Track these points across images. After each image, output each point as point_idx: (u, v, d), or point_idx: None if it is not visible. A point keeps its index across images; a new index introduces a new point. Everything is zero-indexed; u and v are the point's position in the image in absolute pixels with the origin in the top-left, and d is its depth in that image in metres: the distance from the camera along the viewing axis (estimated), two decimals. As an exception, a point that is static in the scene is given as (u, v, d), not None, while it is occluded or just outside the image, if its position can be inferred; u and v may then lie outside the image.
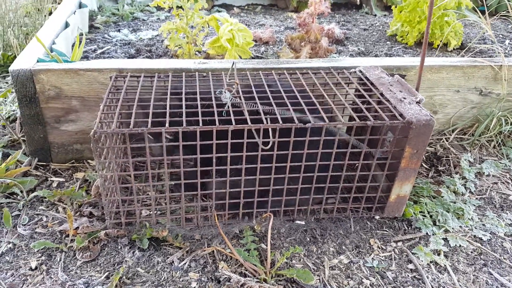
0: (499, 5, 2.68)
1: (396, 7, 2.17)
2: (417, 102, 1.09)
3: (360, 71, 1.27)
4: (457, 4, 1.99)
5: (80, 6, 2.14)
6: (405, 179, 1.11)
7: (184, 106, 0.99)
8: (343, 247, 1.08)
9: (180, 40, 1.61)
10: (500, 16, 2.43)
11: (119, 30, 2.16)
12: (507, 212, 1.27)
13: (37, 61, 1.26)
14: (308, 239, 1.09)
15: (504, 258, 1.11)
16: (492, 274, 1.05)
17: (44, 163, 1.36)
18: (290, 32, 2.25)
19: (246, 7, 2.83)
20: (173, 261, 1.01)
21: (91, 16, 2.29)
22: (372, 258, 1.05)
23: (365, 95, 1.13)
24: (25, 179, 1.25)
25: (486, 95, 1.55)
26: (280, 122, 0.96)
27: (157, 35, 2.11)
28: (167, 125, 0.92)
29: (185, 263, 1.00)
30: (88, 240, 1.05)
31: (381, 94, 1.13)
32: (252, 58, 1.64)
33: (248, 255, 1.00)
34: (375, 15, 2.76)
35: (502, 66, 1.48)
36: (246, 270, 0.98)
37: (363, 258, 1.05)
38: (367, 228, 1.15)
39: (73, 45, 1.77)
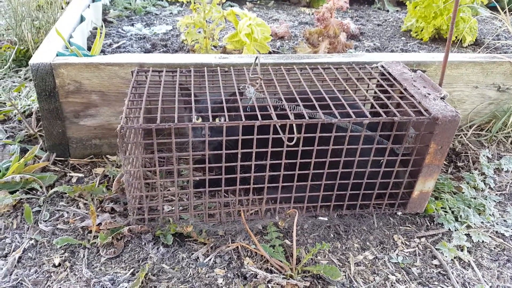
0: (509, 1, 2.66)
1: (410, 2, 2.15)
2: (441, 98, 1.08)
3: (382, 66, 1.26)
4: (472, 0, 1.97)
5: (94, 0, 2.13)
6: (428, 175, 1.11)
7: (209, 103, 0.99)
8: (367, 243, 1.08)
9: (197, 35, 1.60)
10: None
11: (132, 25, 2.15)
12: (528, 208, 1.27)
13: (57, 55, 1.26)
14: (332, 235, 1.09)
15: (527, 255, 1.10)
16: (516, 271, 1.05)
17: (62, 158, 1.36)
18: (304, 27, 2.24)
19: (258, 2, 2.82)
20: (198, 257, 1.01)
21: (103, 10, 2.28)
22: (397, 254, 1.05)
23: (389, 90, 1.12)
24: (44, 175, 1.25)
25: (504, 91, 1.54)
26: (306, 118, 0.95)
27: (171, 29, 2.10)
28: (210, 119, 0.91)
29: (210, 259, 1.00)
30: (111, 236, 1.05)
31: (405, 90, 1.12)
32: (270, 53, 1.63)
33: (274, 251, 0.99)
34: (388, 11, 2.74)
35: (522, 62, 1.47)
36: (272, 266, 0.98)
37: (388, 254, 1.05)
38: (390, 224, 1.15)
39: (88, 39, 1.76)
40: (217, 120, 1.04)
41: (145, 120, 0.95)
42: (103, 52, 1.68)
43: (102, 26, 2.07)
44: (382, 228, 1.13)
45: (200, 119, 1.04)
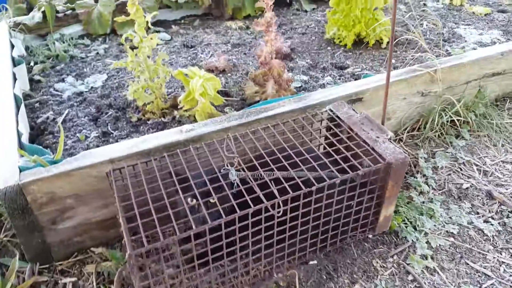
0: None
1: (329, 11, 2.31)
2: (388, 139, 1.27)
3: (331, 110, 1.42)
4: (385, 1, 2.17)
5: (14, 61, 1.99)
6: (389, 204, 1.31)
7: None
8: (355, 276, 1.26)
9: (149, 97, 1.61)
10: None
11: (63, 80, 2.06)
12: (464, 201, 1.54)
13: (20, 170, 1.22)
14: (325, 277, 1.26)
15: (473, 246, 1.37)
16: (468, 264, 1.31)
17: (47, 266, 1.34)
18: (238, 50, 2.31)
19: (182, 22, 2.79)
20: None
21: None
22: (380, 279, 1.25)
23: (344, 138, 1.27)
24: (37, 292, 1.25)
25: (427, 95, 1.78)
26: (290, 191, 1.08)
27: (107, 79, 2.05)
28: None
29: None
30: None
31: (356, 135, 1.29)
32: (224, 104, 1.71)
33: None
34: (306, 11, 2.88)
35: (436, 70, 1.71)
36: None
37: (373, 281, 1.25)
38: (366, 250, 1.35)
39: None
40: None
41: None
42: (51, 133, 1.63)
43: (28, 90, 1.97)
44: (361, 256, 1.33)
45: (194, 201, 1.11)
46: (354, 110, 1.39)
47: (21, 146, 1.39)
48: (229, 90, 1.89)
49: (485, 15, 2.72)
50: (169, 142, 1.32)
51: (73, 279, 1.30)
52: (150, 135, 1.35)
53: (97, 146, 1.53)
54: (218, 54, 2.13)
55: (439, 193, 1.57)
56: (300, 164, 1.16)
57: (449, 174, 1.65)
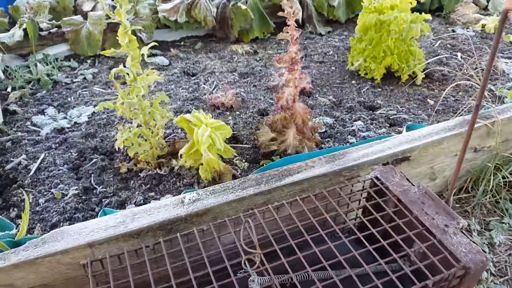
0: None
1: (353, 38, 2.02)
2: (460, 230, 0.96)
3: (377, 178, 1.11)
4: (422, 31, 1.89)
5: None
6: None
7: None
8: None
9: (141, 147, 1.30)
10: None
11: (43, 112, 1.74)
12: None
13: (-33, 256, 0.91)
14: None
15: None
16: None
17: None
18: (247, 81, 2.01)
19: (182, 44, 2.49)
20: None
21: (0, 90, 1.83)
22: None
23: (402, 225, 0.97)
24: None
25: (480, 150, 1.49)
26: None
27: (93, 113, 1.74)
28: None
29: None
30: None
31: (417, 219, 0.98)
32: (235, 156, 1.40)
33: None
34: (321, 34, 2.60)
35: (494, 122, 1.42)
36: None
37: None
38: None
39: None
40: None
41: None
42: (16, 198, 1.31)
43: (1, 123, 1.65)
44: None
45: None
46: (409, 180, 1.08)
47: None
48: (238, 133, 1.59)
49: (524, 45, 2.44)
50: (166, 218, 1.01)
51: None
52: (140, 208, 1.03)
53: (76, 209, 1.21)
54: (225, 88, 1.83)
55: (500, 282, 1.26)
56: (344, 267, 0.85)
57: (510, 254, 1.35)
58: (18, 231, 0.99)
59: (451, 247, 0.91)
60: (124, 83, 1.32)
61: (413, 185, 1.08)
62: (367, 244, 0.91)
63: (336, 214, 1.00)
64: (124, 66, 1.26)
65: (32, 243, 0.94)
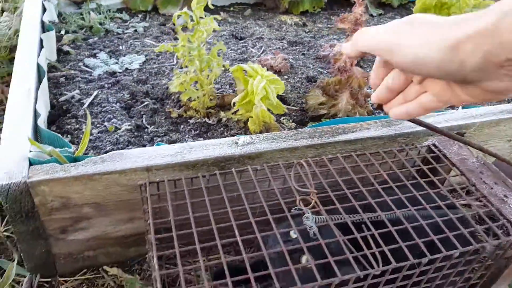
0: None
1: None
2: (519, 200, 0.94)
3: (435, 146, 1.09)
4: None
5: (43, 27, 1.71)
6: (503, 281, 0.98)
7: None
8: None
9: (195, 93, 1.31)
10: None
11: (95, 55, 1.78)
12: None
13: (30, 163, 0.94)
14: None
15: None
16: None
17: (49, 279, 1.07)
18: (295, 49, 2.00)
19: (231, 9, 2.49)
20: None
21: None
22: None
23: (459, 190, 0.95)
24: (31, 316, 0.97)
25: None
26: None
27: (145, 61, 1.77)
28: None
29: None
30: None
31: (475, 188, 0.97)
32: (285, 112, 1.40)
33: None
34: (372, 15, 2.56)
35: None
36: None
37: None
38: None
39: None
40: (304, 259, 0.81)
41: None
42: (74, 118, 1.34)
43: (55, 61, 1.69)
44: None
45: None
46: (470, 150, 1.06)
47: (36, 129, 1.10)
48: (286, 96, 1.58)
49: None
50: (221, 155, 1.02)
51: (77, 306, 1.02)
52: (196, 143, 1.05)
53: (129, 142, 1.23)
54: (275, 51, 1.82)
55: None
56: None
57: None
58: (77, 150, 1.02)
59: (510, 216, 0.89)
60: (185, 27, 1.32)
61: (472, 155, 1.06)
62: (424, 204, 0.90)
63: (392, 173, 0.99)
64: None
65: (91, 160, 0.96)
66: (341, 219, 0.85)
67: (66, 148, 1.00)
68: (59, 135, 1.06)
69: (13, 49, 1.73)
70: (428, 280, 0.87)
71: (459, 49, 0.44)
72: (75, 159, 0.97)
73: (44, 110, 1.25)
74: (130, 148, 1.16)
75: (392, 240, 0.80)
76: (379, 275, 0.77)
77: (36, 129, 1.09)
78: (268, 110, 1.31)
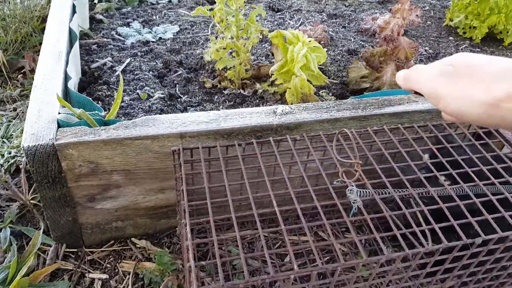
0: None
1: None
2: None
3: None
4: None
5: (76, -5, 1.68)
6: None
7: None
8: None
9: (231, 61, 1.24)
10: None
11: (128, 24, 1.74)
12: None
13: (58, 125, 0.90)
14: None
15: None
16: None
17: (75, 250, 1.04)
18: (335, 22, 1.89)
19: (267, -18, 2.38)
20: None
21: None
22: None
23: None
24: (56, 284, 0.95)
25: None
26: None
27: (178, 31, 1.71)
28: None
29: None
30: None
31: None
32: (322, 88, 1.31)
33: None
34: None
35: None
36: None
37: None
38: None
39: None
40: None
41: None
42: (107, 84, 1.30)
43: (87, 29, 1.66)
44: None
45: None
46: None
47: (66, 92, 1.07)
48: (325, 68, 1.49)
49: None
50: (258, 124, 0.95)
51: (104, 276, 0.99)
52: (232, 111, 0.99)
53: (161, 111, 1.19)
54: (315, 22, 1.72)
55: None
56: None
57: None
58: (108, 113, 0.98)
59: None
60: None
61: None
62: (476, 179, 0.81)
63: (441, 148, 0.89)
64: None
65: (123, 124, 0.92)
66: (388, 193, 0.77)
67: (96, 112, 0.96)
68: (89, 98, 1.02)
69: (45, 18, 1.71)
70: (478, 263, 0.79)
71: (500, 107, 0.48)
72: (105, 123, 0.93)
73: (75, 75, 1.22)
74: (163, 115, 1.10)
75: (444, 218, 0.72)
76: (428, 253, 0.70)
77: (66, 92, 1.06)
78: (308, 81, 1.23)
